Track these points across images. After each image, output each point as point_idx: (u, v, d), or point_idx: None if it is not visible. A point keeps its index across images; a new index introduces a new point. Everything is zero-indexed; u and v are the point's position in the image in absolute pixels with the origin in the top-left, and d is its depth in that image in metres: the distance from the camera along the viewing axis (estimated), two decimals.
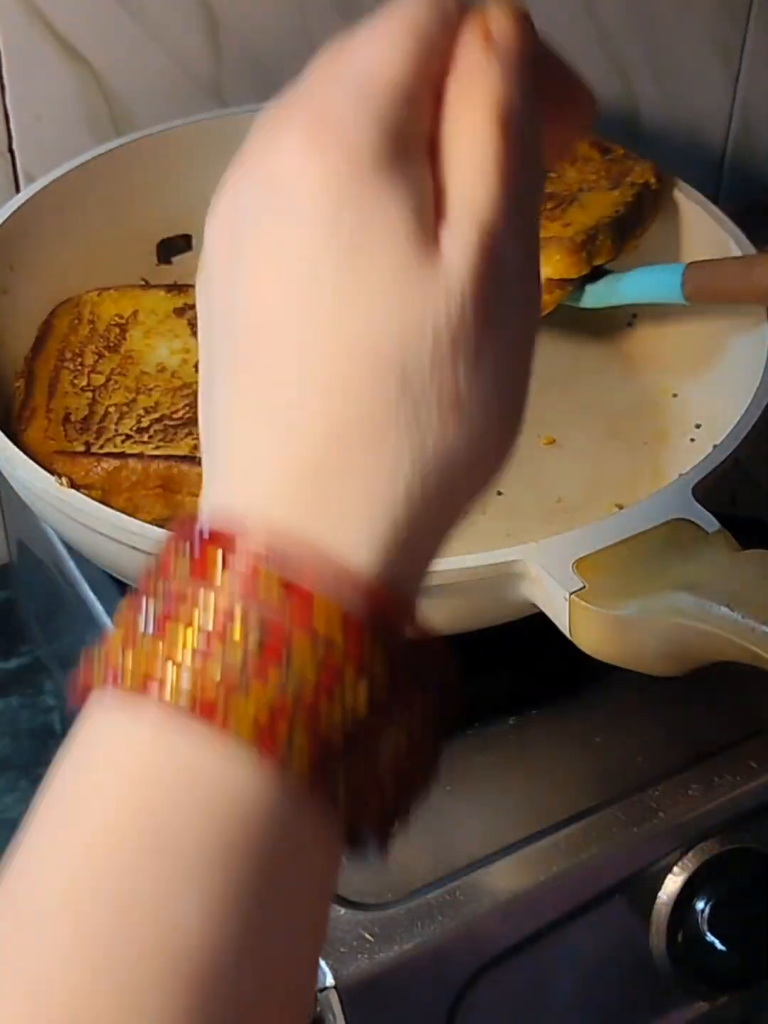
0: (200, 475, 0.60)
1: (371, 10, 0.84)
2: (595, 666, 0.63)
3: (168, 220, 0.76)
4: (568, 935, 0.58)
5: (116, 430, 0.62)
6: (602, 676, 0.64)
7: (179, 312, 0.68)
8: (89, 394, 0.64)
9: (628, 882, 0.58)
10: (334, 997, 0.53)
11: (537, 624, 0.59)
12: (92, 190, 0.73)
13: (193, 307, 0.69)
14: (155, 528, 0.54)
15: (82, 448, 0.61)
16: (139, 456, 0.60)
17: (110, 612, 0.66)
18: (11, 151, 0.77)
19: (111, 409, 0.64)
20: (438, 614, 0.56)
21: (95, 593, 0.67)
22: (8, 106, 0.76)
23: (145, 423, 0.63)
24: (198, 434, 0.62)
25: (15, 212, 0.69)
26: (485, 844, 0.57)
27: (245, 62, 0.82)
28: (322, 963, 0.53)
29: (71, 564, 0.68)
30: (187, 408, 0.63)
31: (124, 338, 0.67)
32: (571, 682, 0.64)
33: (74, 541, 0.61)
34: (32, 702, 0.83)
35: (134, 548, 0.54)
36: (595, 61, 0.96)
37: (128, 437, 0.62)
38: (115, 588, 0.67)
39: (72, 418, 0.63)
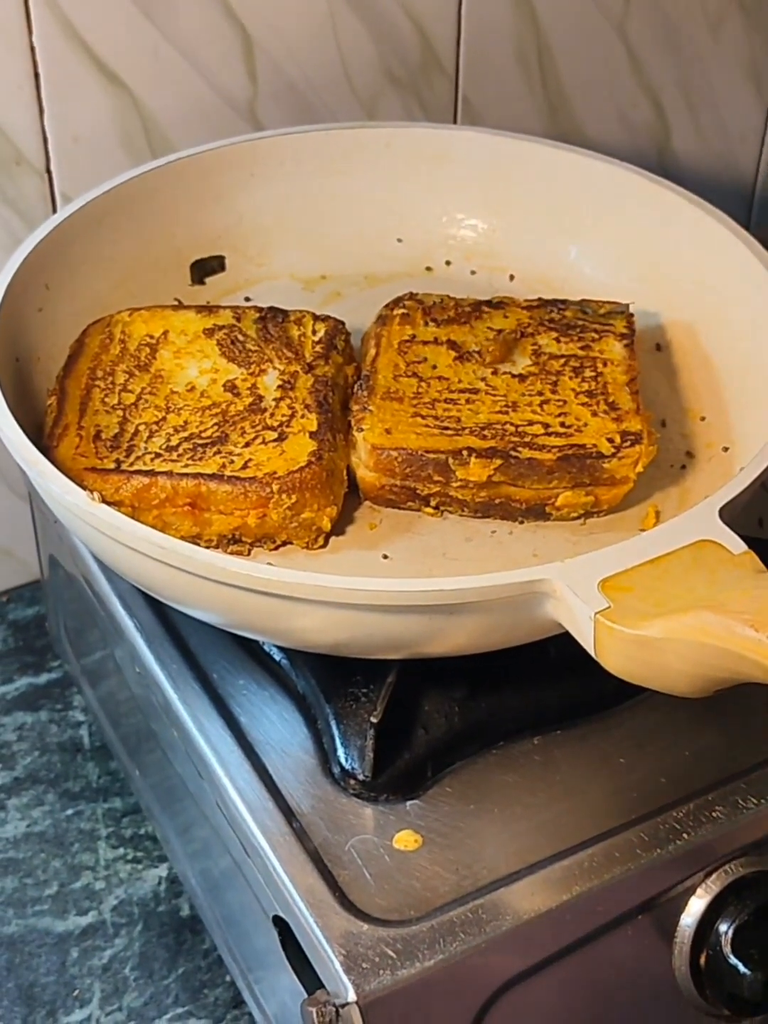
0: (227, 493, 0.61)
1: (404, 40, 0.84)
2: (619, 687, 0.64)
3: (202, 241, 0.77)
4: (590, 956, 0.58)
5: (145, 448, 0.63)
6: (626, 696, 0.64)
7: (209, 333, 0.69)
8: (119, 412, 0.65)
9: (651, 903, 0.58)
10: (356, 1013, 0.53)
11: (561, 643, 0.59)
12: (127, 211, 0.74)
13: (223, 328, 0.70)
14: (184, 543, 0.55)
15: (112, 465, 0.62)
16: (168, 474, 0.61)
17: (140, 627, 0.66)
18: (49, 171, 0.78)
19: (141, 427, 0.64)
20: (464, 632, 0.56)
21: (125, 609, 0.67)
22: (46, 127, 0.77)
23: (174, 441, 0.63)
24: (226, 452, 0.63)
25: (52, 232, 0.70)
26: (508, 863, 0.57)
27: (280, 86, 0.82)
28: (344, 978, 0.53)
29: (102, 580, 0.69)
30: (215, 427, 0.64)
31: (154, 358, 0.68)
32: (595, 702, 0.64)
33: (105, 556, 0.61)
34: (61, 717, 0.84)
35: (164, 563, 0.55)
36: (627, 87, 0.96)
37: (158, 455, 0.62)
38: (145, 604, 0.67)
39: (103, 436, 0.64)
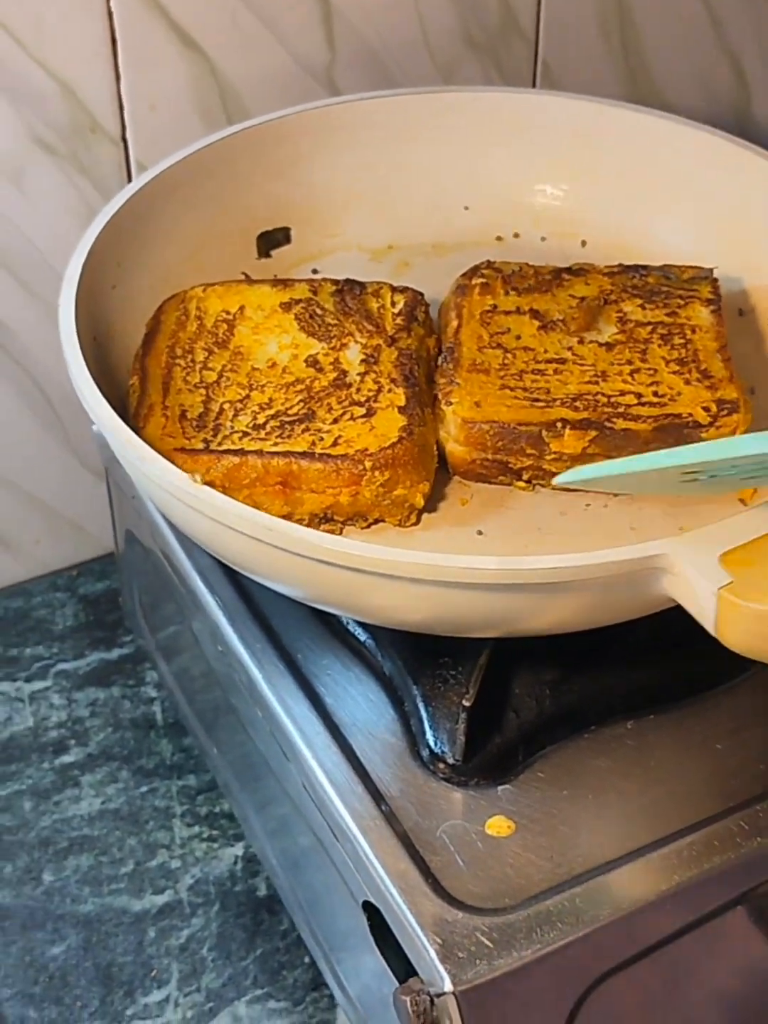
0: (319, 471, 0.60)
1: (484, 3, 0.81)
2: (713, 670, 0.62)
3: (268, 213, 0.76)
4: (689, 946, 0.56)
5: (232, 427, 0.61)
6: (721, 681, 0.62)
7: (286, 307, 0.67)
8: (202, 391, 0.63)
9: (750, 894, 0.57)
10: (452, 1002, 0.52)
11: (656, 625, 0.58)
12: (197, 182, 0.72)
13: (300, 302, 0.68)
14: (290, 524, 0.53)
15: (201, 445, 0.60)
16: (259, 452, 0.59)
17: (221, 604, 0.65)
18: (124, 140, 0.77)
19: (226, 406, 0.63)
20: (571, 609, 0.55)
21: (206, 585, 0.66)
22: (123, 94, 0.76)
23: (261, 419, 0.62)
24: (315, 429, 0.61)
25: (126, 203, 0.69)
26: (604, 851, 0.56)
27: (359, 51, 0.81)
28: (440, 967, 0.52)
29: (183, 556, 0.67)
30: (301, 404, 0.62)
31: (232, 334, 0.66)
32: (689, 686, 0.62)
33: (200, 535, 0.60)
34: (134, 693, 0.83)
35: (266, 543, 0.53)
36: (708, 50, 0.94)
37: (245, 434, 0.61)
38: (226, 580, 0.66)
39: (188, 415, 0.62)
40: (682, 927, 0.56)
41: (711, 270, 0.70)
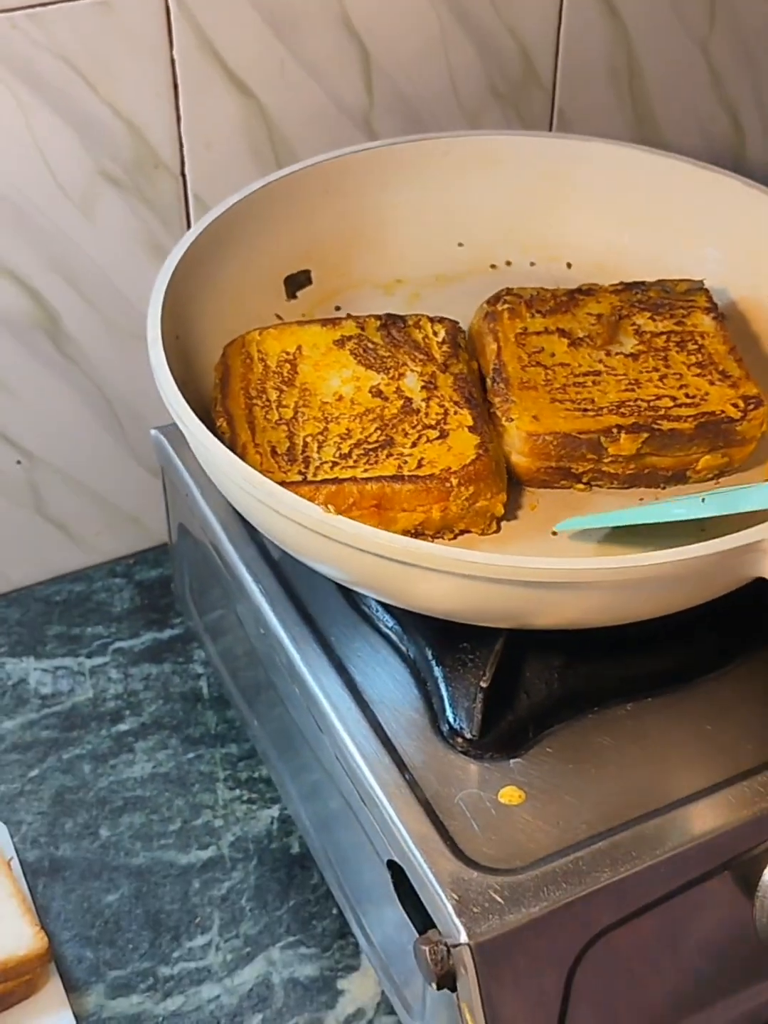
0: (410, 491, 0.60)
1: (508, 57, 0.80)
2: (705, 658, 0.62)
3: (291, 257, 0.75)
4: (680, 906, 0.56)
5: (320, 458, 0.61)
6: (712, 668, 0.62)
7: (339, 344, 0.67)
8: (284, 427, 0.63)
9: (736, 860, 0.57)
10: (467, 953, 0.52)
11: (654, 618, 0.58)
12: (234, 234, 0.71)
13: (351, 338, 0.68)
14: (416, 541, 0.54)
15: (298, 477, 0.60)
16: (353, 479, 0.59)
17: (264, 592, 0.66)
18: (183, 175, 0.77)
19: (308, 439, 0.62)
20: (669, 596, 0.55)
21: (251, 575, 0.66)
22: (182, 134, 0.76)
23: (344, 448, 0.62)
24: (398, 454, 0.61)
25: (182, 259, 0.67)
26: (605, 819, 0.56)
27: (394, 98, 0.81)
28: (457, 921, 0.52)
29: (230, 549, 0.68)
30: (378, 431, 0.62)
31: (296, 372, 0.66)
32: (683, 672, 0.62)
33: (314, 557, 0.59)
34: (183, 669, 0.84)
35: (391, 560, 0.53)
36: (708, 102, 0.94)
37: (334, 463, 0.61)
38: (268, 568, 0.67)
39: (278, 451, 0.62)
40: (675, 888, 0.56)
41: (701, 282, 0.71)
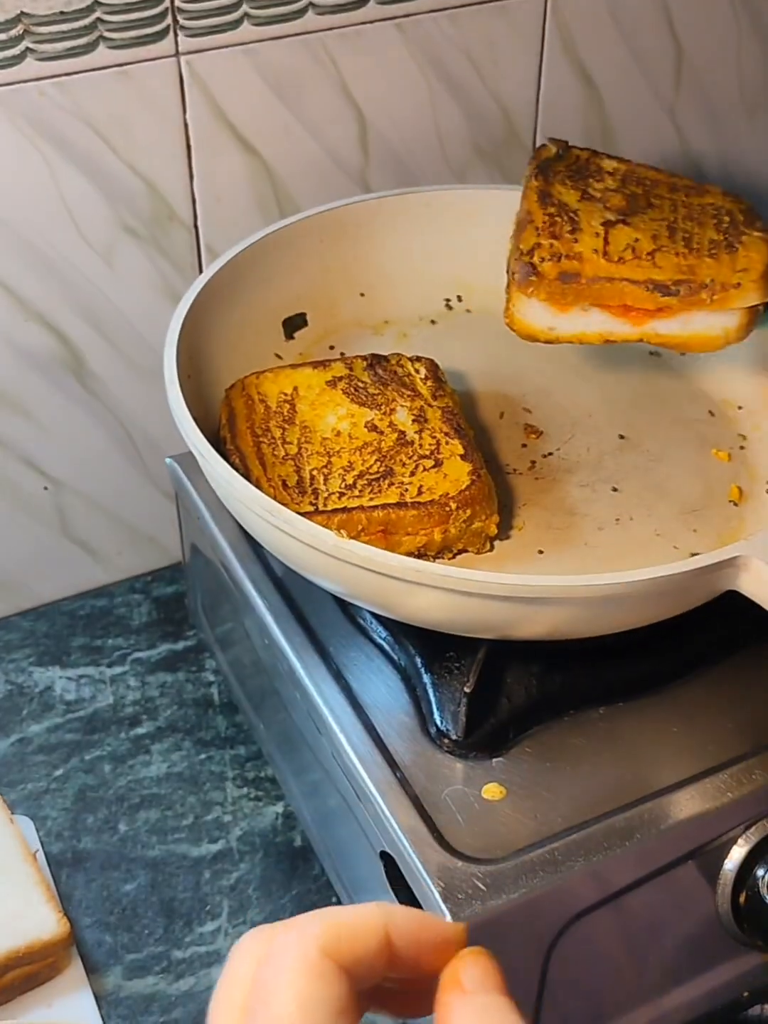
0: (414, 516, 0.59)
1: (491, 120, 0.81)
2: (673, 667, 0.62)
3: (291, 300, 0.75)
4: (647, 892, 0.56)
5: (328, 489, 0.61)
6: (678, 676, 0.62)
7: (332, 384, 0.66)
8: (291, 462, 0.63)
9: (700, 850, 0.57)
10: None
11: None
12: (238, 279, 0.71)
13: (342, 378, 0.67)
14: (432, 564, 0.54)
15: (310, 508, 0.60)
16: (360, 508, 0.59)
17: (269, 607, 0.66)
18: (196, 227, 0.78)
19: (314, 472, 0.62)
20: (644, 610, 0.55)
21: (257, 591, 0.67)
22: (195, 189, 0.76)
23: (349, 480, 0.61)
24: (398, 483, 0.61)
25: (192, 304, 0.67)
26: (579, 813, 0.56)
27: (387, 155, 0.81)
28: (443, 905, 0.52)
29: (238, 567, 0.68)
30: (378, 463, 0.62)
31: (295, 411, 0.65)
32: (652, 680, 0.62)
33: (323, 576, 0.59)
34: (196, 677, 0.84)
35: (401, 579, 0.53)
36: (675, 162, 0.95)
37: (342, 493, 0.61)
38: (272, 585, 0.67)
39: (288, 484, 0.62)
40: (643, 876, 0.56)
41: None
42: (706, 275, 0.63)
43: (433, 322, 0.77)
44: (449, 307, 0.79)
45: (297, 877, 0.72)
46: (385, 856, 0.57)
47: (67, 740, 0.79)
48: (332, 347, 0.75)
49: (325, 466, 0.63)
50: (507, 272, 0.67)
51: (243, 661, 0.75)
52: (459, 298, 0.79)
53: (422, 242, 0.78)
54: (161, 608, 0.88)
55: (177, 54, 0.71)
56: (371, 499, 0.60)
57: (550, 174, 0.70)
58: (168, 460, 0.75)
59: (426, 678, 0.60)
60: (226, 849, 0.73)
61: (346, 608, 0.65)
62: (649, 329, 0.63)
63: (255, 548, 0.68)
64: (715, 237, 0.65)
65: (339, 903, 0.70)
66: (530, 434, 0.70)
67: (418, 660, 0.61)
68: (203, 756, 0.78)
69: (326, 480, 0.62)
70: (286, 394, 0.66)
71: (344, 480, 0.62)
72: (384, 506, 0.60)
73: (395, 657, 0.63)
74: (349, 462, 0.63)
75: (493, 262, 0.78)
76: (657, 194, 0.70)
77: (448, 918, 0.52)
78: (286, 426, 0.65)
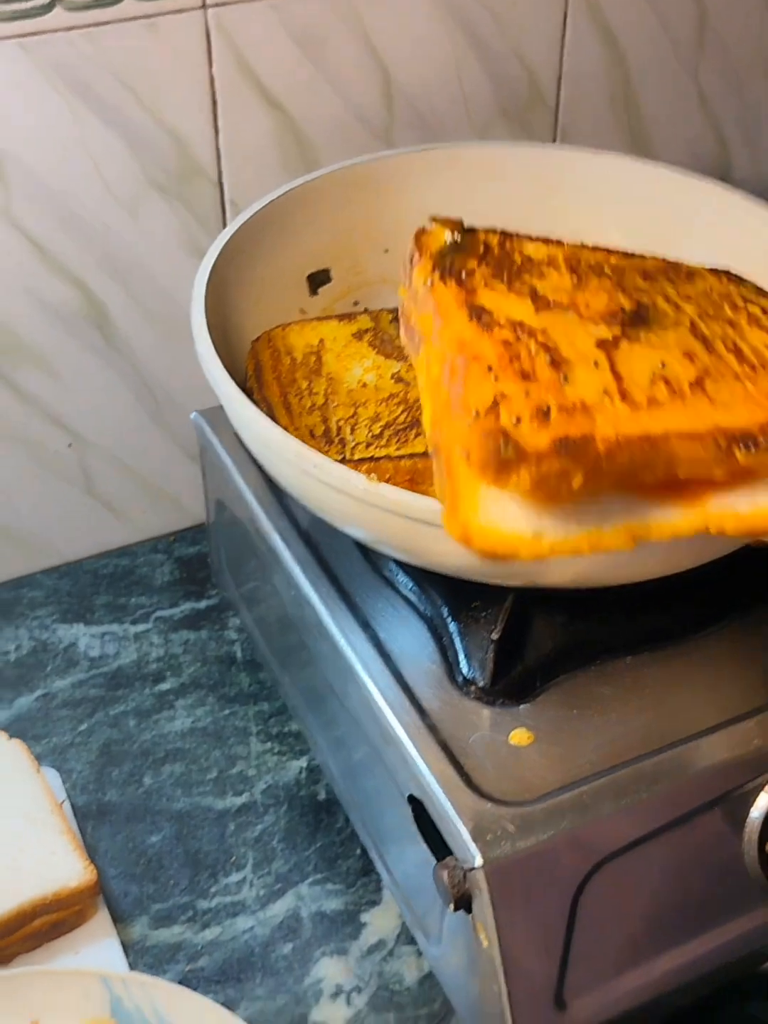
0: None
1: (515, 80, 0.79)
2: (699, 617, 0.62)
3: (315, 255, 0.75)
4: (673, 838, 0.56)
5: (355, 439, 0.61)
6: (704, 626, 0.63)
7: (357, 337, 0.66)
8: (318, 413, 0.63)
9: (726, 797, 0.57)
10: (482, 876, 0.52)
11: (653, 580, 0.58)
12: (264, 233, 0.71)
13: (368, 331, 0.67)
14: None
15: (338, 457, 0.60)
16: (388, 457, 0.59)
17: (294, 556, 0.66)
18: (220, 182, 0.78)
19: (341, 423, 0.62)
20: (673, 556, 0.53)
21: (283, 541, 0.67)
22: (220, 145, 0.76)
23: (375, 430, 0.61)
24: (424, 434, 0.60)
25: (219, 256, 0.67)
26: (606, 759, 0.56)
27: (411, 114, 0.81)
28: (472, 847, 0.53)
29: (264, 519, 0.68)
30: (404, 414, 0.62)
31: (321, 363, 0.65)
32: (678, 630, 0.62)
33: (352, 523, 0.58)
34: (219, 635, 0.84)
35: (430, 524, 0.52)
36: (696, 122, 0.94)
37: (369, 443, 0.61)
38: (299, 538, 0.67)
39: (315, 434, 0.62)
40: (669, 822, 0.56)
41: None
42: None
43: None
44: None
45: (321, 830, 0.72)
46: (413, 800, 0.57)
47: (91, 695, 0.79)
48: (356, 303, 0.75)
49: (352, 417, 0.63)
50: (433, 451, 0.45)
51: (268, 618, 0.76)
52: None
53: (447, 198, 0.77)
54: (183, 568, 0.89)
55: (204, 6, 0.71)
56: (398, 449, 0.60)
57: (463, 275, 0.47)
58: (193, 415, 0.75)
59: (452, 627, 0.61)
60: (250, 802, 0.74)
61: (371, 560, 0.66)
62: (716, 510, 0.41)
63: (281, 501, 0.69)
64: None
65: (363, 855, 0.70)
66: None
67: (444, 609, 0.62)
68: (227, 712, 0.79)
69: (353, 430, 0.62)
70: (312, 346, 0.67)
71: (371, 430, 0.62)
72: (411, 456, 0.60)
73: (421, 607, 0.63)
74: (376, 413, 0.63)
75: (518, 220, 0.78)
76: (636, 286, 0.48)
77: (478, 858, 0.52)
78: (312, 377, 0.65)
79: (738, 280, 0.49)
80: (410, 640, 0.62)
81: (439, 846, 0.55)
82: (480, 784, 0.55)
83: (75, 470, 0.84)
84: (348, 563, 0.66)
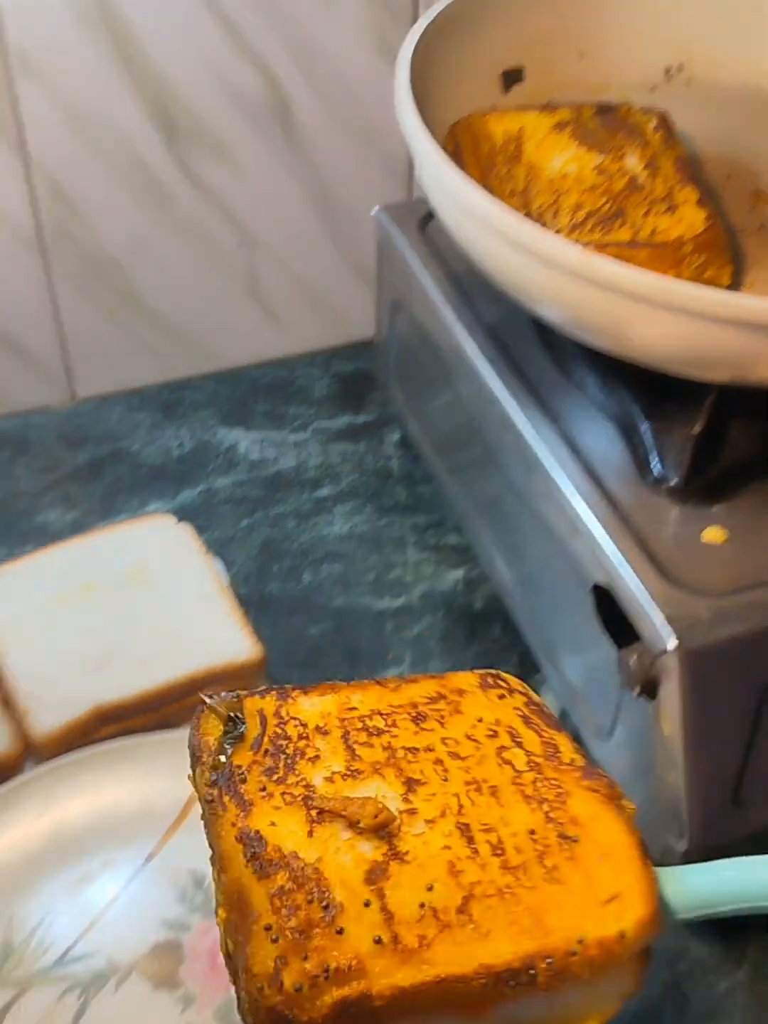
0: (646, 256, 0.57)
1: None
2: None
3: (508, 53, 0.71)
4: None
5: (556, 225, 0.60)
6: None
7: (559, 127, 0.64)
8: (518, 198, 0.61)
9: None
10: (675, 659, 0.52)
11: None
12: (469, 19, 0.68)
13: (569, 123, 0.65)
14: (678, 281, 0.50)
15: None
16: (591, 244, 0.58)
17: (480, 349, 0.64)
18: None
19: (543, 209, 0.61)
20: None
21: (469, 334, 0.65)
22: None
23: (579, 218, 0.60)
24: (630, 224, 0.59)
25: (420, 37, 0.64)
26: None
27: None
28: (667, 628, 0.52)
29: (449, 312, 0.67)
30: (608, 204, 0.60)
31: (521, 151, 0.64)
32: None
33: (564, 302, 0.56)
34: (377, 449, 0.84)
35: (648, 300, 0.51)
36: None
37: (571, 230, 0.59)
38: (486, 336, 0.66)
39: None
40: None
41: None
42: (565, 928, 0.36)
43: (653, 89, 0.74)
44: (669, 76, 0.76)
45: (477, 637, 0.72)
46: (598, 590, 0.57)
47: (252, 495, 0.80)
48: (548, 104, 0.72)
49: (553, 204, 0.61)
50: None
51: (441, 427, 0.75)
52: (680, 68, 0.76)
53: (652, 7, 0.74)
54: (341, 383, 0.88)
55: None
56: (603, 236, 0.59)
57: (234, 779, 0.40)
58: (375, 210, 0.74)
59: (644, 425, 0.59)
60: (408, 604, 0.74)
61: (560, 362, 0.64)
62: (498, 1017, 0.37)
63: (465, 297, 0.67)
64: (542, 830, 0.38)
65: (519, 662, 0.70)
66: (758, 199, 0.67)
67: (635, 407, 0.60)
68: (384, 521, 0.79)
69: (555, 215, 0.60)
70: (512, 134, 0.65)
71: (573, 218, 0.60)
72: (616, 244, 0.58)
73: (610, 407, 0.62)
74: (578, 201, 0.61)
75: (719, 30, 0.74)
76: (407, 753, 0.41)
77: (672, 640, 0.51)
78: (512, 164, 0.63)
79: (507, 690, 0.46)
80: (598, 438, 0.61)
81: (624, 634, 0.55)
82: (673, 573, 0.54)
83: (242, 271, 0.84)
84: (535, 362, 0.64)
